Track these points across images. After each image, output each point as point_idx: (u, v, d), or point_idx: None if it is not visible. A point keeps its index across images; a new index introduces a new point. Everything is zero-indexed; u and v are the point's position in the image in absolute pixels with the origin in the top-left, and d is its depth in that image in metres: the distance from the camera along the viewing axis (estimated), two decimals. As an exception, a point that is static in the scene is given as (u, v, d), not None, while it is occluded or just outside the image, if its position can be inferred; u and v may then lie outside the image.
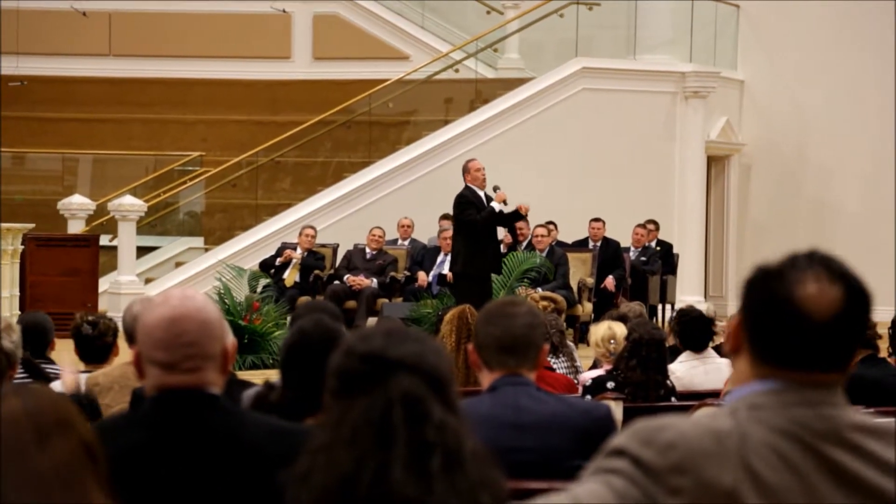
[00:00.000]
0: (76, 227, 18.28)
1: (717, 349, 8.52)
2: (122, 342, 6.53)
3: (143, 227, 18.67)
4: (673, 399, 6.90)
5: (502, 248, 15.29)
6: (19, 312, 13.87)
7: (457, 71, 20.75)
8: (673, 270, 18.47)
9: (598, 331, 7.71)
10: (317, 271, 16.87)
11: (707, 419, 2.32)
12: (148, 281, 18.26)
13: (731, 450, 2.26)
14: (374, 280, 16.70)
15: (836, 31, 20.20)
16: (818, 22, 20.29)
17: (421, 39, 21.76)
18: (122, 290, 16.90)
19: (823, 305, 2.32)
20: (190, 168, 20.88)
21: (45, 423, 2.37)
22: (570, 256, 16.56)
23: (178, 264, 19.35)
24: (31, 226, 15.99)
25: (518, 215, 14.00)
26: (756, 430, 2.29)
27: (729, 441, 2.26)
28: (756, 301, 2.37)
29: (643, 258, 17.91)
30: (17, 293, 15.20)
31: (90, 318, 6.77)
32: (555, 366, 7.77)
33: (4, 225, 14.88)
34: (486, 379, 4.28)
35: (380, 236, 17.21)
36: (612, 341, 7.51)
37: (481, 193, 13.73)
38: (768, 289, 2.35)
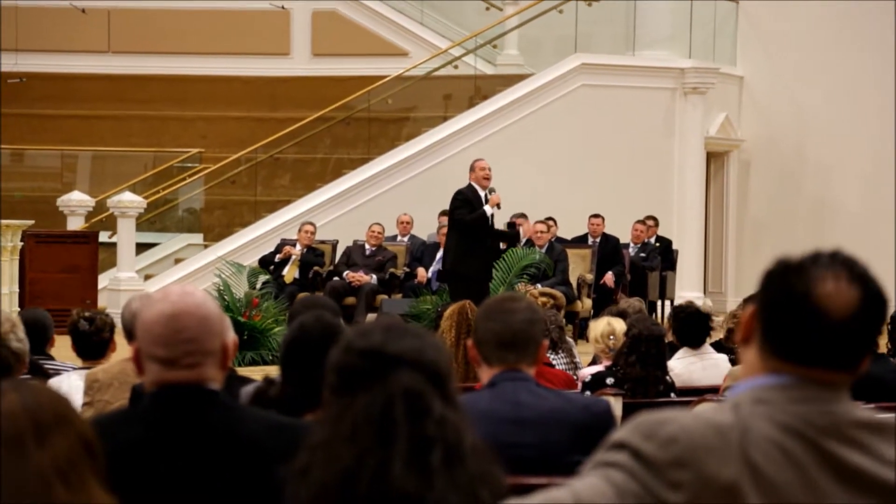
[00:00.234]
0: (75, 224, 18.28)
1: (717, 345, 8.51)
2: (119, 338, 6.53)
3: (143, 223, 18.67)
4: (672, 395, 6.90)
5: (502, 245, 15.27)
6: (19, 309, 13.87)
7: (456, 67, 20.74)
8: (672, 267, 18.47)
9: (598, 327, 7.71)
10: (316, 268, 16.87)
11: (709, 413, 2.32)
12: (147, 277, 18.25)
13: (733, 444, 2.26)
14: (374, 276, 16.70)
15: (836, 28, 20.20)
16: (817, 18, 20.28)
17: (420, 36, 21.76)
18: (122, 286, 16.90)
19: (840, 304, 2.33)
20: (189, 165, 20.88)
21: (43, 418, 2.37)
22: (570, 253, 16.56)
23: (177, 261, 19.35)
24: (31, 222, 15.99)
25: (513, 239, 14.08)
26: (758, 425, 2.29)
27: (730, 435, 2.26)
28: (773, 293, 2.37)
29: (642, 254, 17.92)
30: (17, 290, 15.20)
31: (87, 314, 6.77)
32: (554, 362, 7.77)
33: (4, 221, 14.88)
34: (486, 374, 4.28)
35: (379, 233, 17.21)
36: (611, 337, 7.51)
37: (482, 193, 13.74)
38: (787, 282, 2.35)
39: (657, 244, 18.26)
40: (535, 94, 19.21)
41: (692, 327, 7.83)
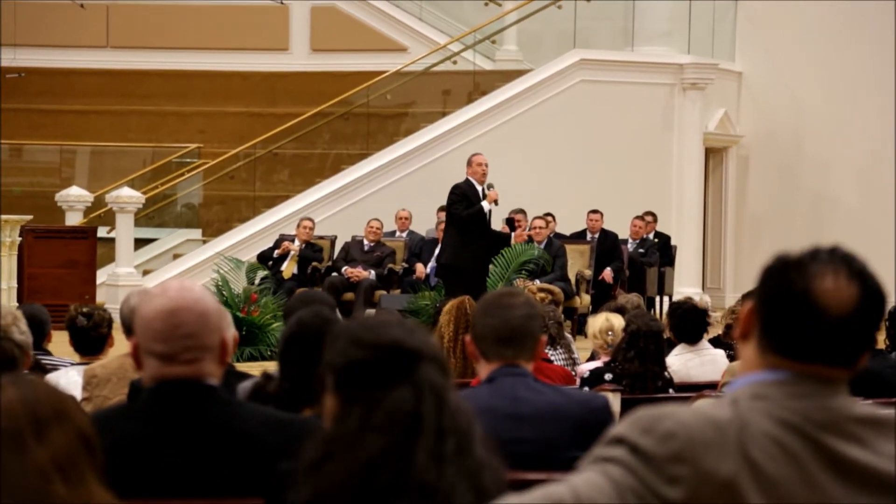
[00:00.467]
0: (74, 219, 18.28)
1: (715, 340, 8.52)
2: (117, 334, 6.53)
3: (141, 218, 18.66)
4: (670, 391, 6.91)
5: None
6: (17, 304, 13.87)
7: (455, 63, 20.73)
8: (671, 262, 18.47)
9: (596, 322, 7.71)
10: (315, 263, 16.87)
11: (708, 408, 2.32)
12: (146, 273, 18.25)
13: (731, 439, 2.26)
14: (372, 272, 16.70)
15: (834, 23, 20.19)
16: (816, 13, 20.27)
17: (419, 31, 21.75)
18: (120, 281, 16.90)
19: (840, 301, 2.33)
20: (188, 160, 20.87)
21: (42, 414, 2.37)
22: (568, 248, 16.55)
23: (175, 256, 19.35)
24: (29, 218, 15.99)
25: (506, 240, 14.07)
26: (757, 421, 2.29)
27: (729, 431, 2.27)
28: (772, 290, 2.38)
29: (641, 250, 17.92)
30: (15, 285, 15.21)
31: (85, 309, 6.77)
32: (552, 357, 7.76)
33: (2, 217, 14.89)
34: (484, 370, 4.28)
35: (378, 228, 17.21)
36: (609, 333, 7.51)
37: (479, 188, 13.73)
38: (786, 279, 2.36)
39: (656, 240, 18.26)
40: (533, 90, 19.20)
41: (689, 323, 7.83)
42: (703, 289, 19.60)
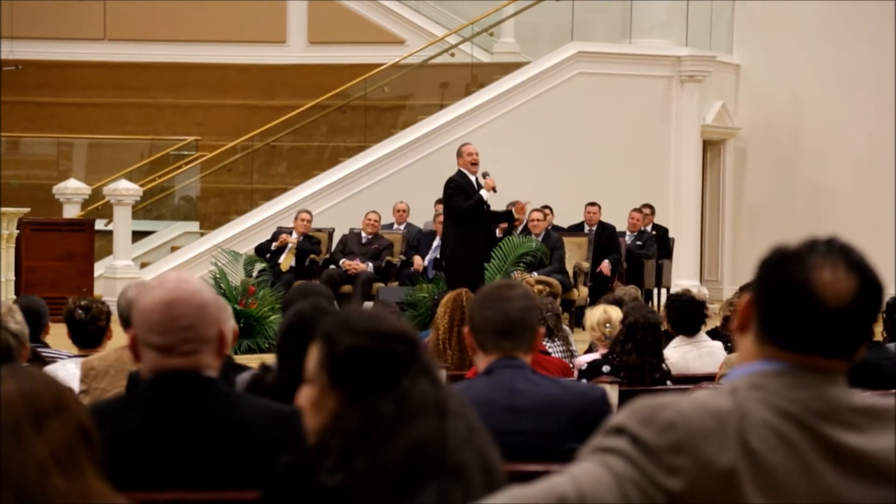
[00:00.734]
0: (71, 212, 18.27)
1: (713, 332, 8.52)
2: (115, 326, 6.53)
3: (139, 211, 18.66)
4: (668, 382, 6.91)
5: (498, 233, 15.27)
6: (14, 297, 13.87)
7: (452, 55, 20.72)
8: (668, 254, 18.47)
9: (594, 315, 7.71)
10: (312, 256, 16.87)
11: (707, 398, 2.32)
12: (143, 265, 18.25)
13: (731, 430, 2.26)
14: (370, 264, 16.70)
15: (832, 15, 20.18)
16: (813, 5, 20.26)
17: (416, 24, 21.74)
18: (118, 274, 16.89)
19: (838, 293, 2.33)
20: (185, 152, 20.87)
21: (41, 405, 2.37)
22: (566, 241, 16.55)
23: (173, 249, 19.34)
24: (27, 210, 15.98)
25: (510, 216, 14.00)
26: (755, 410, 2.29)
27: (729, 421, 2.27)
28: (770, 282, 2.38)
29: (639, 242, 17.92)
30: (13, 278, 15.20)
31: (83, 302, 6.76)
32: (550, 350, 7.76)
33: (0, 209, 14.87)
34: (482, 362, 4.28)
35: (375, 220, 17.20)
36: (607, 325, 7.51)
37: (472, 178, 13.70)
38: (784, 271, 2.36)
39: (653, 232, 18.26)
40: (531, 82, 19.20)
41: (687, 316, 7.83)
42: (700, 281, 19.61)
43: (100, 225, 17.72)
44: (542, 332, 4.49)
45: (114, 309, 6.51)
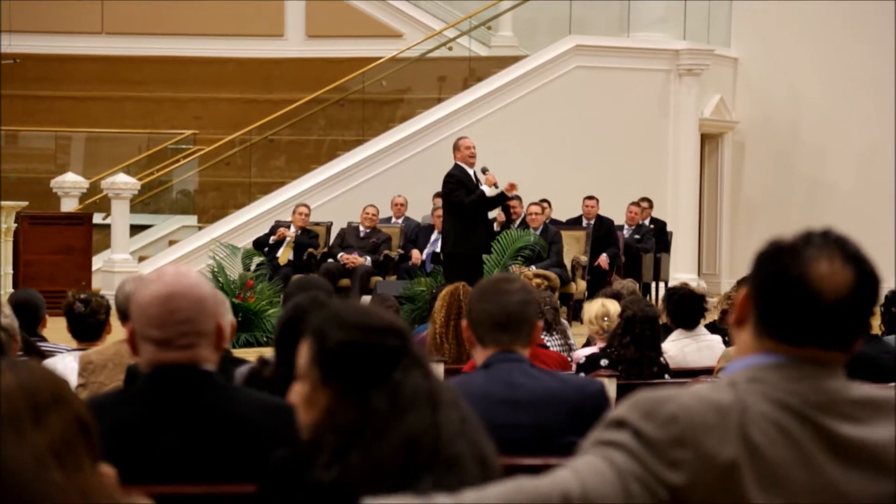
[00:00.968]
0: (69, 206, 18.27)
1: (711, 326, 8.52)
2: (114, 320, 6.53)
3: (137, 205, 18.64)
4: (666, 376, 6.91)
5: (496, 227, 15.27)
6: (12, 290, 13.86)
7: (450, 49, 20.72)
8: (667, 248, 18.47)
9: (592, 308, 7.71)
10: (310, 249, 16.87)
11: (708, 391, 2.32)
12: (141, 259, 18.25)
13: (732, 423, 2.26)
14: (368, 258, 16.70)
15: (830, 9, 20.16)
16: (812, -1, 20.28)
17: (414, 17, 21.72)
18: (116, 268, 16.89)
19: (835, 285, 2.33)
20: (183, 146, 20.85)
21: (40, 398, 2.37)
22: (564, 234, 16.55)
23: (171, 242, 19.34)
24: (25, 204, 15.97)
25: (503, 196, 13.93)
26: (755, 403, 2.29)
27: (730, 414, 2.27)
28: (767, 275, 2.38)
29: (637, 236, 17.92)
30: (11, 271, 15.19)
31: (82, 295, 6.76)
32: (548, 343, 7.77)
33: (-2, 203, 14.87)
34: (480, 356, 4.28)
35: (373, 214, 17.20)
36: (605, 319, 7.51)
37: (470, 172, 13.68)
38: (781, 264, 2.36)
39: (651, 226, 18.26)
40: (529, 76, 19.19)
41: (686, 309, 7.83)
42: (698, 275, 19.60)
43: (98, 219, 17.71)
44: (540, 326, 4.49)
45: (112, 303, 6.51)
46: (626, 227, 17.93)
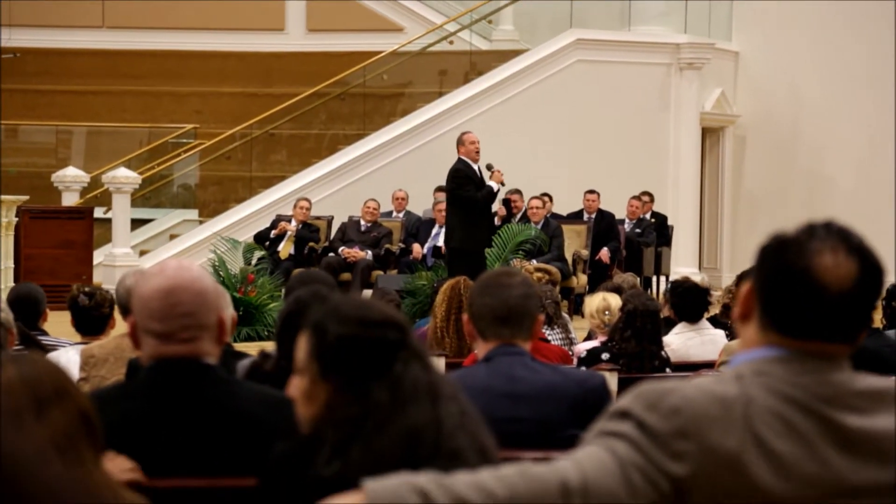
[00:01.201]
0: (70, 200, 18.26)
1: (712, 320, 8.52)
2: (116, 314, 6.53)
3: (138, 199, 18.64)
4: (667, 370, 6.92)
5: (497, 221, 15.26)
6: (13, 284, 13.86)
7: (451, 43, 20.70)
8: (667, 242, 18.47)
9: (593, 302, 7.72)
10: (311, 243, 16.87)
11: (712, 384, 2.32)
12: (142, 253, 18.24)
13: (737, 415, 2.27)
14: (369, 252, 16.69)
15: (831, 4, 20.14)
16: (813, -7, 20.25)
17: (415, 11, 21.71)
18: (117, 262, 16.89)
19: (839, 278, 2.33)
20: (184, 140, 20.85)
21: (43, 392, 2.37)
22: (565, 228, 16.55)
23: (172, 237, 19.34)
24: (26, 198, 15.96)
25: (491, 189, 13.92)
26: (760, 396, 2.29)
27: (734, 406, 2.27)
28: (771, 269, 2.38)
29: (638, 230, 17.91)
30: (12, 265, 15.19)
31: (87, 289, 6.76)
32: (549, 337, 7.77)
33: (-1, 197, 14.87)
34: (482, 349, 4.29)
35: (374, 208, 17.19)
36: (606, 312, 7.51)
37: (475, 167, 13.67)
38: (784, 257, 2.36)
39: (652, 220, 18.26)
40: (530, 70, 19.18)
41: (691, 302, 7.83)
42: (699, 269, 19.59)
43: (99, 213, 17.71)
44: (541, 320, 4.49)
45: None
46: (626, 221, 17.93)
